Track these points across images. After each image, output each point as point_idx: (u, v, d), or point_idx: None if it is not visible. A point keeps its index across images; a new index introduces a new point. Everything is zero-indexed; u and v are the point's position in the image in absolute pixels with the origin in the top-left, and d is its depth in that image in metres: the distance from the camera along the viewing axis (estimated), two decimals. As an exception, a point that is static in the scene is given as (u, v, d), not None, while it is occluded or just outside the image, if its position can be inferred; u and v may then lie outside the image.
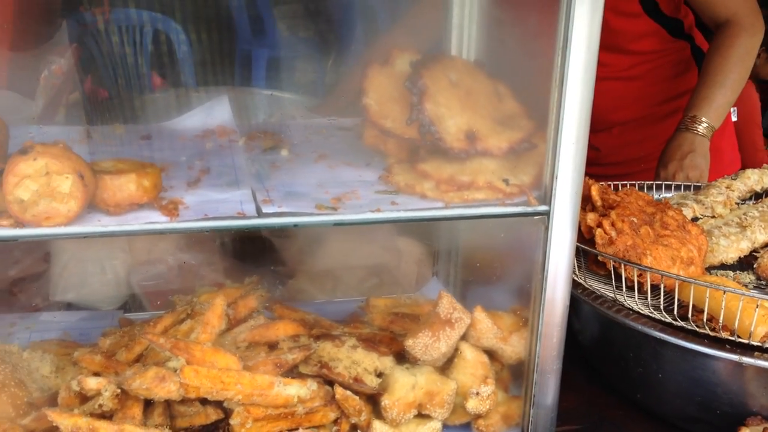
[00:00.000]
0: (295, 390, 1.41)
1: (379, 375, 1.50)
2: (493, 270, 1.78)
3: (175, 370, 1.37)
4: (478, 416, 1.52)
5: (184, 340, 1.44)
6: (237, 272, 2.12)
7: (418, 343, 1.49)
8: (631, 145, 2.77)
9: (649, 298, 1.62)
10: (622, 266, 1.57)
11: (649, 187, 2.14)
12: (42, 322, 1.84)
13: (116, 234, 1.26)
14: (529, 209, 1.38)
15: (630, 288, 1.59)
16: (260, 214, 1.31)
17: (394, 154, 1.50)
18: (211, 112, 1.71)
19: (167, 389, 1.36)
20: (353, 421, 1.47)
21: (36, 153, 1.20)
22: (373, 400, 1.50)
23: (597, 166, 2.78)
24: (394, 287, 2.04)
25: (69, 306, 2.04)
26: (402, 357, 1.56)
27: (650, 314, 1.55)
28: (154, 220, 1.28)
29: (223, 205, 1.34)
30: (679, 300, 1.56)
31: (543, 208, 1.37)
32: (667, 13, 2.66)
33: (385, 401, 1.46)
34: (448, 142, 1.40)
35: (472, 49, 1.74)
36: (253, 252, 2.24)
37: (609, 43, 2.65)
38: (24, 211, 1.21)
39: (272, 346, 1.56)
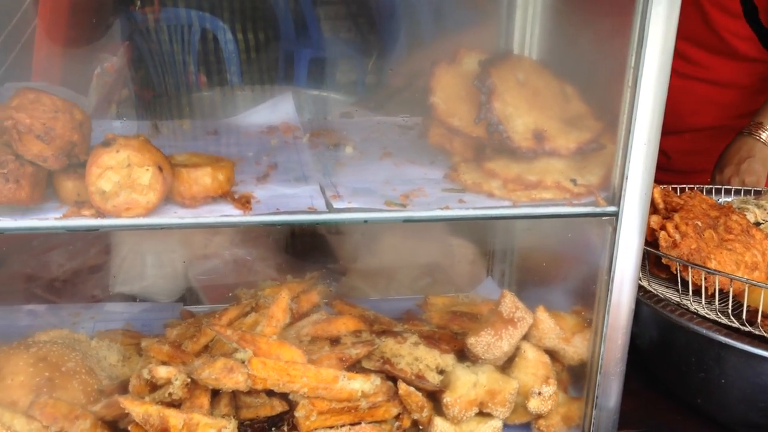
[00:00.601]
0: (359, 384, 1.43)
1: (441, 372, 1.51)
2: (551, 271, 1.78)
3: (243, 362, 1.40)
4: (539, 416, 1.52)
5: (250, 332, 1.46)
6: (290, 268, 2.15)
7: (480, 342, 1.49)
8: (699, 154, 2.69)
9: (716, 302, 1.60)
10: (689, 269, 1.55)
11: (708, 191, 2.11)
12: (105, 312, 1.88)
13: (192, 226, 1.29)
14: (598, 210, 1.37)
15: (695, 292, 1.57)
16: (331, 209, 1.32)
17: (459, 153, 1.50)
18: (275, 109, 1.73)
19: (235, 380, 1.39)
20: (415, 417, 1.48)
21: (118, 145, 1.23)
22: (433, 397, 1.50)
23: (663, 171, 2.73)
24: (446, 286, 2.05)
25: (130, 297, 2.08)
26: (462, 355, 1.57)
27: (717, 319, 1.53)
28: (228, 213, 1.31)
29: (294, 199, 1.36)
30: (742, 304, 1.54)
31: (611, 209, 1.37)
32: (765, 24, 2.57)
33: (447, 398, 1.46)
34: (515, 141, 1.40)
35: (534, 49, 1.74)
36: (305, 249, 2.26)
37: (710, 43, 2.61)
38: (105, 201, 1.25)
39: (334, 341, 1.58)
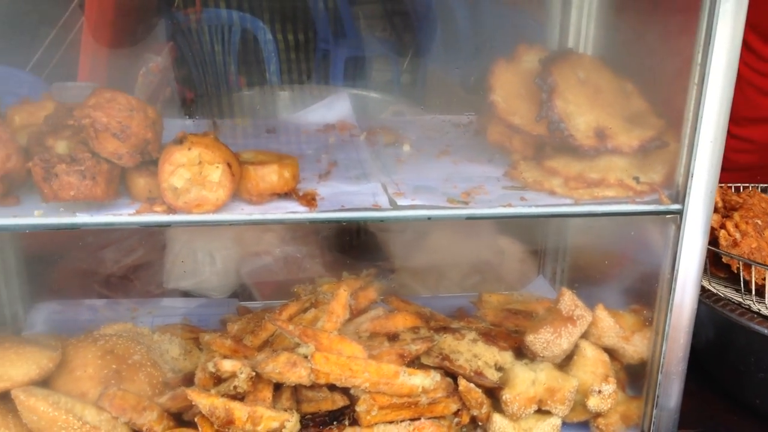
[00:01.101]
0: (419, 380, 1.44)
1: (499, 369, 1.52)
2: (606, 269, 1.77)
3: (306, 357, 1.42)
4: (598, 415, 1.52)
5: (311, 327, 1.49)
6: (339, 266, 2.17)
7: (539, 339, 1.50)
8: (756, 152, 2.62)
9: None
10: (752, 268, 1.54)
11: (764, 190, 2.09)
12: (162, 308, 1.92)
13: (259, 222, 1.31)
14: (661, 208, 1.37)
15: (757, 291, 1.56)
16: (395, 206, 1.34)
17: (519, 151, 1.51)
18: (331, 108, 1.75)
19: (298, 374, 1.41)
20: (473, 414, 1.49)
21: (190, 143, 1.26)
22: (491, 393, 1.51)
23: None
24: (496, 285, 2.05)
25: (183, 293, 2.12)
26: (519, 353, 1.57)
27: (781, 318, 1.52)
28: (294, 209, 1.33)
29: (357, 196, 1.38)
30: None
31: (676, 207, 1.36)
32: None
33: (506, 395, 1.47)
34: (577, 139, 1.40)
35: (589, 45, 1.73)
36: (353, 246, 2.28)
37: None
38: (177, 198, 1.27)
39: (391, 337, 1.59)
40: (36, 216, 1.26)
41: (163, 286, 2.16)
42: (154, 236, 2.22)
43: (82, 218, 1.26)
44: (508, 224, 2.13)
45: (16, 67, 2.19)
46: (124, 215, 1.28)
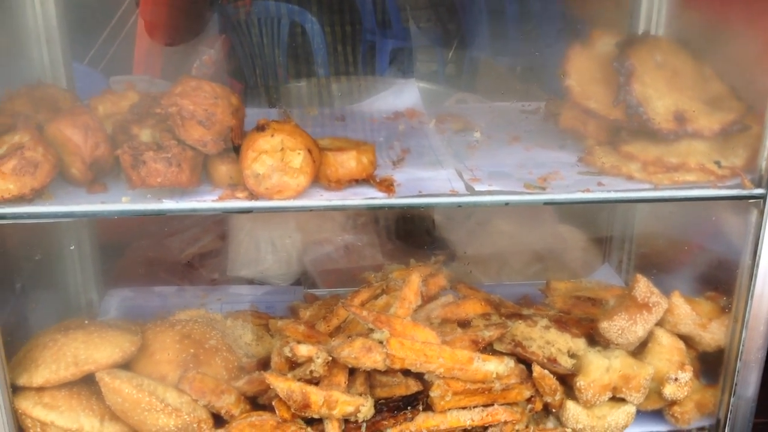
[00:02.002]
0: (493, 366, 1.44)
1: (572, 356, 1.51)
2: (677, 256, 1.75)
3: (381, 342, 1.43)
4: (673, 403, 1.50)
5: (385, 313, 1.50)
6: (399, 254, 2.18)
7: (613, 326, 1.48)
8: None
9: None
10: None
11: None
12: (230, 294, 1.95)
13: (339, 208, 1.32)
14: (744, 192, 1.34)
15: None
16: (472, 191, 1.34)
17: (593, 136, 1.49)
18: (400, 96, 1.76)
19: (373, 359, 1.42)
20: (547, 400, 1.49)
21: (272, 129, 1.28)
22: (563, 380, 1.50)
23: None
24: (559, 273, 2.03)
25: (247, 281, 2.16)
26: (590, 340, 1.56)
27: None
28: (372, 195, 1.34)
29: (432, 182, 1.38)
30: None
31: (759, 191, 1.34)
32: None
33: (581, 382, 1.46)
34: (656, 123, 1.38)
35: (661, 28, 1.71)
36: (413, 234, 2.29)
37: None
38: (259, 184, 1.29)
39: (462, 324, 1.59)
40: (124, 202, 1.29)
41: (227, 274, 2.20)
42: (218, 225, 2.26)
43: (169, 204, 1.29)
44: (571, 212, 2.12)
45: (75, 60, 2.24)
46: (208, 201, 1.30)
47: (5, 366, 1.36)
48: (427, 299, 1.61)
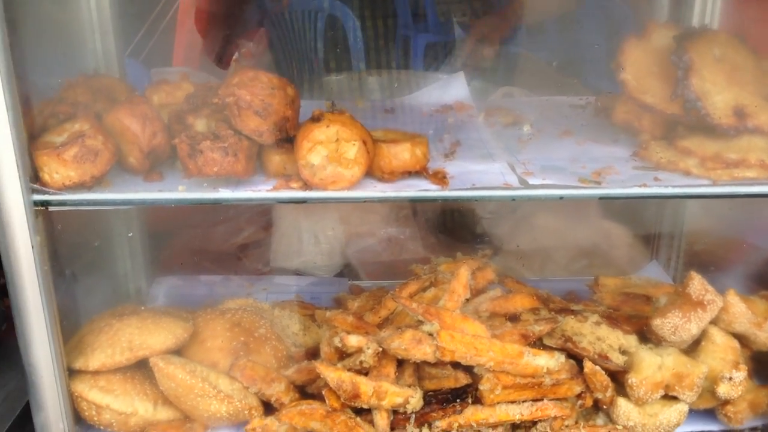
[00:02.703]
0: (544, 361, 1.43)
1: (623, 353, 1.49)
2: (729, 254, 1.72)
3: (431, 334, 1.43)
4: (726, 402, 1.48)
5: (434, 306, 1.50)
6: (441, 248, 2.18)
7: (666, 323, 1.46)
8: None
9: None
10: None
11: None
12: (276, 285, 1.97)
13: (393, 200, 1.32)
14: (806, 189, 1.32)
15: None
16: (526, 185, 1.33)
17: (648, 131, 1.47)
18: (447, 89, 1.75)
19: (423, 351, 1.42)
20: (597, 397, 1.48)
21: (328, 120, 1.29)
22: (613, 377, 1.49)
23: None
24: (604, 269, 2.01)
25: (289, 272, 2.17)
26: (641, 337, 1.54)
27: None
28: (426, 187, 1.34)
29: (485, 175, 1.38)
30: None
31: (821, 188, 1.31)
32: None
33: (633, 379, 1.45)
34: (715, 118, 1.36)
35: (715, 21, 1.67)
36: (455, 228, 2.29)
37: None
38: (313, 174, 1.30)
39: (510, 318, 1.59)
40: (180, 191, 1.31)
41: (270, 264, 2.22)
42: (261, 216, 2.28)
43: (224, 193, 1.30)
44: (617, 207, 2.09)
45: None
46: (263, 191, 1.31)
47: (62, 350, 1.39)
48: (475, 293, 1.61)
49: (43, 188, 1.26)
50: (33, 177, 1.26)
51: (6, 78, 1.17)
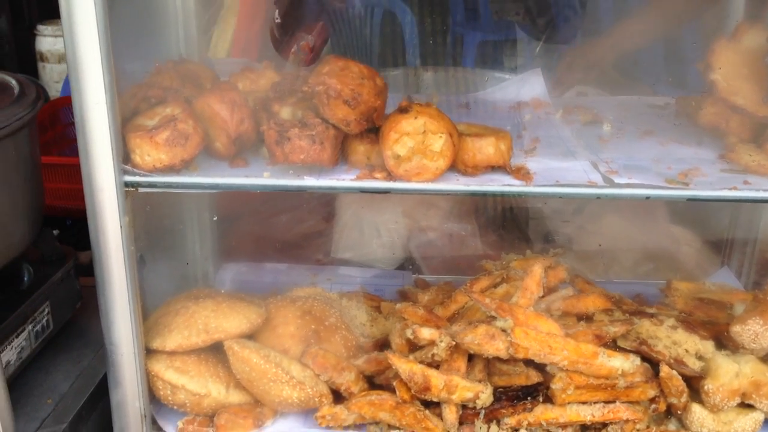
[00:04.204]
0: (619, 362, 1.41)
1: (699, 358, 1.47)
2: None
3: (504, 330, 1.42)
4: (805, 413, 1.44)
5: (507, 302, 1.49)
6: (503, 246, 2.16)
7: (746, 330, 1.44)
8: None
9: None
10: None
11: None
12: (340, 275, 1.98)
13: (476, 193, 1.32)
14: None
15: None
16: (611, 183, 1.31)
17: (735, 133, 1.44)
18: (524, 85, 1.74)
19: (496, 347, 1.42)
20: (671, 402, 1.45)
21: (416, 112, 1.29)
22: (687, 383, 1.46)
23: None
24: (671, 274, 1.98)
25: (349, 263, 2.18)
26: (716, 343, 1.51)
27: None
28: (509, 182, 1.33)
29: (568, 173, 1.36)
30: None
31: None
32: None
33: (709, 386, 1.42)
34: (809, 122, 1.32)
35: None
36: (516, 227, 2.27)
37: None
38: (399, 166, 1.30)
39: (581, 318, 1.57)
40: (265, 177, 1.33)
41: (331, 255, 2.23)
42: (323, 207, 2.30)
43: (309, 181, 1.31)
44: (686, 211, 2.06)
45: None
46: (347, 180, 1.32)
47: (141, 330, 1.42)
48: (547, 291, 1.59)
49: (135, 170, 1.29)
50: (124, 158, 1.29)
51: (105, 60, 1.20)
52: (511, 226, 2.28)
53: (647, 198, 1.30)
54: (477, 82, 2.67)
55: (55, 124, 2.88)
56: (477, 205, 2.29)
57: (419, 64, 3.87)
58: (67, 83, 3.41)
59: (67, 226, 2.62)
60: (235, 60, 2.62)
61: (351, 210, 2.29)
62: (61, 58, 4.39)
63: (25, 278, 1.63)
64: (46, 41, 4.24)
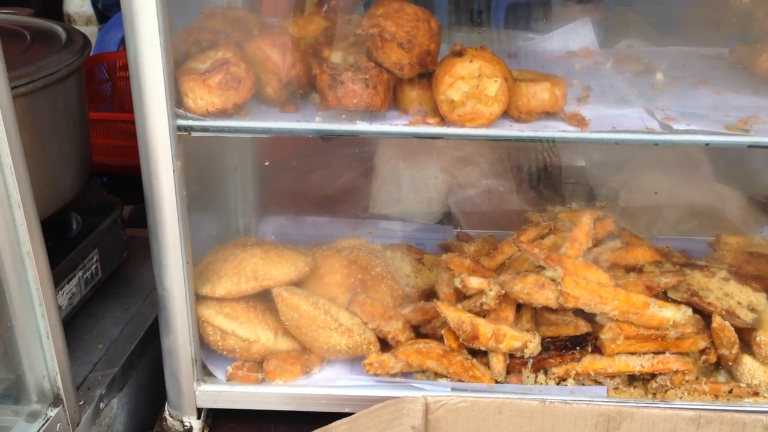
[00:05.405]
0: (670, 313, 1.40)
1: (752, 310, 1.45)
2: None
3: (554, 280, 1.42)
4: None
5: (556, 252, 1.48)
6: (543, 202, 2.14)
7: (801, 282, 1.42)
8: None
9: None
10: None
11: None
12: (380, 229, 1.98)
13: (530, 139, 1.30)
14: None
15: None
16: (669, 130, 1.29)
17: (794, 81, 1.41)
18: (573, 35, 1.70)
19: (546, 296, 1.41)
20: (721, 353, 1.44)
21: (471, 56, 1.27)
22: (738, 335, 1.45)
23: None
24: (716, 230, 1.95)
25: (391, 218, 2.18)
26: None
27: None
28: (564, 129, 1.31)
29: (624, 120, 1.34)
30: None
31: None
32: None
33: (761, 337, 1.41)
34: None
35: None
36: (556, 183, 2.25)
37: None
38: (452, 111, 1.29)
39: (629, 270, 1.56)
40: (317, 122, 1.32)
41: (369, 211, 2.23)
42: (361, 163, 2.29)
43: (362, 126, 1.30)
44: (731, 168, 2.02)
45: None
46: (399, 125, 1.31)
47: (192, 275, 1.43)
48: (594, 243, 1.58)
49: (188, 114, 1.29)
50: (177, 102, 1.29)
51: (159, 1, 1.18)
52: (550, 183, 2.26)
53: (707, 144, 1.28)
54: (510, 42, 2.62)
55: (90, 82, 2.88)
56: (515, 163, 2.27)
57: (453, 23, 3.81)
58: (100, 41, 3.39)
59: (105, 183, 2.64)
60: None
61: (389, 165, 2.28)
62: (89, 20, 4.39)
63: (74, 226, 1.65)
64: (74, 3, 4.25)
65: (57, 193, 1.57)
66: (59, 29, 1.63)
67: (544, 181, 2.26)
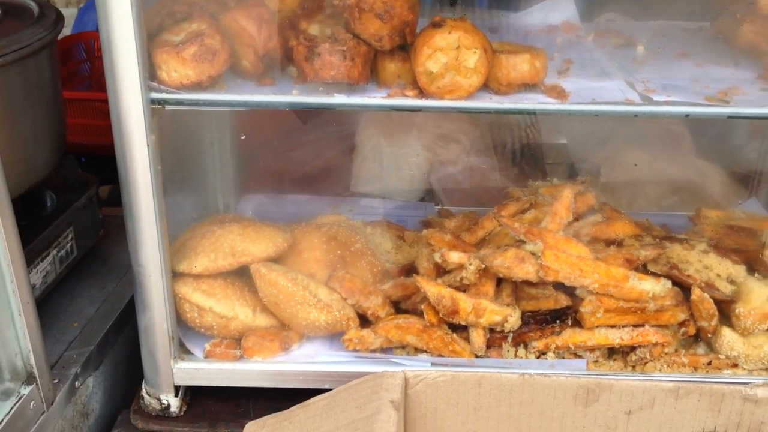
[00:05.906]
0: (650, 285, 1.41)
1: (731, 282, 1.46)
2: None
3: (533, 254, 1.41)
4: (835, 339, 1.44)
5: (536, 226, 1.47)
6: (524, 178, 2.14)
7: (779, 254, 1.42)
8: None
9: None
10: None
11: None
12: (362, 206, 1.96)
13: (509, 111, 1.29)
14: None
15: None
16: (649, 101, 1.28)
17: (775, 53, 1.40)
18: (554, 9, 1.69)
19: (526, 270, 1.41)
20: (701, 325, 1.45)
21: (450, 27, 1.25)
22: (718, 307, 1.46)
23: None
24: (697, 205, 1.96)
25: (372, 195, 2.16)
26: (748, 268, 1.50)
27: None
28: (543, 101, 1.30)
29: (604, 92, 1.33)
30: None
31: None
32: None
33: (740, 309, 1.42)
34: None
35: None
36: (536, 160, 2.24)
37: None
38: (431, 83, 1.27)
39: (610, 244, 1.56)
40: (294, 95, 1.30)
41: (351, 189, 2.21)
42: (342, 141, 2.27)
43: (339, 99, 1.28)
44: (712, 144, 2.03)
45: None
46: (378, 98, 1.29)
47: (168, 252, 1.40)
48: (575, 217, 1.58)
49: (161, 86, 1.26)
50: (151, 75, 1.26)
51: (130, -30, 1.15)
52: (532, 160, 2.25)
53: (686, 116, 1.27)
54: (492, 19, 2.60)
55: (68, 61, 2.83)
56: (497, 140, 2.26)
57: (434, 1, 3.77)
58: (78, 21, 3.32)
59: (82, 163, 2.60)
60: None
61: (371, 143, 2.26)
62: (68, 2, 4.31)
63: (48, 204, 1.62)
64: (53, -16, 4.16)
65: (29, 169, 1.54)
66: (32, 4, 1.59)
67: (526, 157, 2.25)
